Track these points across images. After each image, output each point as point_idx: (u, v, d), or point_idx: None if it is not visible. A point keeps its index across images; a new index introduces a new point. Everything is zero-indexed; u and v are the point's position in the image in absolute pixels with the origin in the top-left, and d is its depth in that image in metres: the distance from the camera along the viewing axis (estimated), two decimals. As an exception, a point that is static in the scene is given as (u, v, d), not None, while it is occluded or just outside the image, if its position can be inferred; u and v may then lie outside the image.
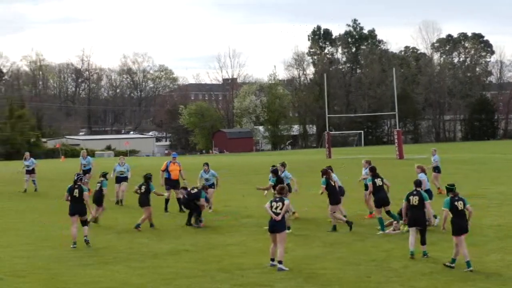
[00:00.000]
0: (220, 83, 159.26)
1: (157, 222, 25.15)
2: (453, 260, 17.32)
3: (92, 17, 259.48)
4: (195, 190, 25.18)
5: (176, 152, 35.81)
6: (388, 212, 22.83)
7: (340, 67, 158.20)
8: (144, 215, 24.64)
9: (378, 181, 22.85)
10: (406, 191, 31.51)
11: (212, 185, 28.78)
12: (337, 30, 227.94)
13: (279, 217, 17.57)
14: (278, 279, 16.49)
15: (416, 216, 18.54)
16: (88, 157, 37.67)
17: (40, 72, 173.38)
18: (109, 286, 16.30)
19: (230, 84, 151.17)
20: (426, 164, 32.40)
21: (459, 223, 17.31)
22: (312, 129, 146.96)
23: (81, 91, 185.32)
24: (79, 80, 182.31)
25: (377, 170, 23.46)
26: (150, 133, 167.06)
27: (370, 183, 22.97)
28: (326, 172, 23.50)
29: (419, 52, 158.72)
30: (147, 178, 25.08)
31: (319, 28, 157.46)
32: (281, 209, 17.65)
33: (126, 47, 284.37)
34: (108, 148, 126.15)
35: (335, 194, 23.15)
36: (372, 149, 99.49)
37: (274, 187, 23.74)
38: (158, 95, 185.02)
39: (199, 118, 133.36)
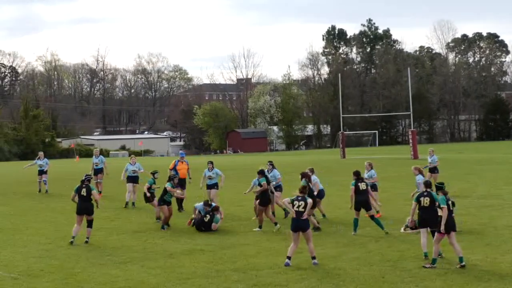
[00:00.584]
0: (235, 83, 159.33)
1: (172, 222, 25.20)
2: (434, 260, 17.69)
3: (107, 17, 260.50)
4: (208, 217, 24.25)
5: (185, 152, 35.56)
6: (372, 217, 22.78)
7: (355, 67, 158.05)
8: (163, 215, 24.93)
9: (362, 185, 22.64)
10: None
11: (215, 185, 28.42)
12: (352, 30, 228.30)
13: (305, 216, 17.94)
14: (293, 279, 16.51)
15: (427, 217, 18.36)
16: (101, 156, 37.61)
17: (55, 72, 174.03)
18: (125, 285, 16.36)
19: (244, 84, 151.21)
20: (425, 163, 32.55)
21: (449, 221, 17.52)
22: (326, 129, 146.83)
23: (96, 91, 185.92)
24: (94, 80, 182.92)
25: (361, 174, 23.43)
26: (165, 133, 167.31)
27: (352, 187, 22.63)
28: (306, 175, 23.44)
29: (434, 52, 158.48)
30: (170, 178, 25.53)
31: (333, 28, 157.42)
32: (303, 207, 17.91)
33: (141, 47, 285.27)
34: (123, 148, 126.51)
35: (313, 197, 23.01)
36: (386, 149, 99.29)
37: (260, 185, 24.43)
38: (173, 95, 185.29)
39: (213, 118, 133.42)
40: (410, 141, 68.09)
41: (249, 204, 27.93)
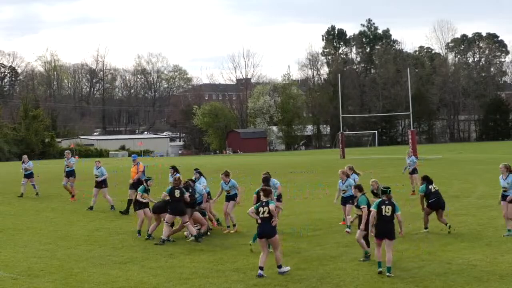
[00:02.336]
0: (234, 83, 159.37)
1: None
2: (379, 264, 17.00)
3: (106, 17, 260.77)
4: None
5: (136, 155, 34.10)
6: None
7: (355, 67, 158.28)
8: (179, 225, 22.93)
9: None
10: (418, 191, 31.42)
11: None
12: (352, 30, 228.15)
13: (275, 222, 17.03)
14: (293, 279, 16.53)
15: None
16: (72, 157, 35.92)
17: (55, 73, 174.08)
18: (125, 285, 16.38)
19: (244, 84, 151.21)
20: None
21: (380, 227, 17.02)
22: (326, 129, 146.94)
23: (95, 91, 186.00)
24: (94, 81, 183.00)
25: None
26: (164, 133, 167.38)
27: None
28: (266, 179, 22.71)
29: (433, 52, 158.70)
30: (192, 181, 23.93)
31: (333, 28, 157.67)
32: (268, 213, 16.94)
33: (141, 47, 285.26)
34: (122, 148, 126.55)
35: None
36: (386, 149, 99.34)
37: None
38: (172, 95, 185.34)
39: (213, 118, 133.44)
40: (410, 141, 68.08)
41: (250, 204, 27.97)
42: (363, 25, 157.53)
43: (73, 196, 34.32)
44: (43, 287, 16.38)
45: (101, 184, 30.74)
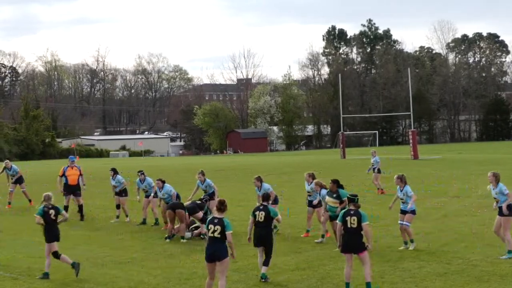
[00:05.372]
0: (235, 83, 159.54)
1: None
2: (346, 285, 15.46)
3: (106, 18, 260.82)
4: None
5: (75, 156, 32.76)
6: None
7: (355, 67, 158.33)
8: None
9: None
10: (420, 191, 31.47)
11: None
12: (352, 30, 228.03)
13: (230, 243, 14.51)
14: (293, 279, 16.52)
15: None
16: (13, 166, 33.61)
17: (55, 73, 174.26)
18: (125, 286, 16.37)
19: (245, 84, 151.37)
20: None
21: (345, 240, 15.38)
22: (326, 130, 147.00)
23: (96, 92, 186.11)
24: (94, 81, 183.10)
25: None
26: (165, 133, 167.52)
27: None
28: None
29: (434, 52, 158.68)
30: None
31: (333, 28, 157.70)
32: (219, 233, 14.38)
33: (141, 47, 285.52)
34: (123, 148, 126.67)
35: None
36: (386, 149, 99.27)
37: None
38: (173, 96, 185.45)
39: (214, 118, 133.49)
40: (410, 141, 68.09)
41: (250, 204, 27.95)
42: (364, 25, 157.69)
43: (30, 201, 33.43)
44: (42, 287, 16.37)
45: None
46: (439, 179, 42.22)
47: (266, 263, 16.57)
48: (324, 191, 21.26)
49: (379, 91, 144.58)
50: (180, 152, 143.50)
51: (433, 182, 40.09)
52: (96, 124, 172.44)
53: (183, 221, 22.35)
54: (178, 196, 24.12)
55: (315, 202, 22.08)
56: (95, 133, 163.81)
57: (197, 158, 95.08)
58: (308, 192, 22.79)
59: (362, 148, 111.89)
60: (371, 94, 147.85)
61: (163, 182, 24.31)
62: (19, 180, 33.16)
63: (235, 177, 46.76)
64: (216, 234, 14.31)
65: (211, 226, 14.41)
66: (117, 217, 26.86)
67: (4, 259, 19.61)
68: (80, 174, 28.57)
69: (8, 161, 34.57)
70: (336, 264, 18.05)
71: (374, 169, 36.58)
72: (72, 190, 28.08)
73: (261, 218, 16.58)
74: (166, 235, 22.48)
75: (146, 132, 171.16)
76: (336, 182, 20.28)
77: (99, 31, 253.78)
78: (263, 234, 16.63)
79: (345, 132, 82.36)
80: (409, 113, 75.58)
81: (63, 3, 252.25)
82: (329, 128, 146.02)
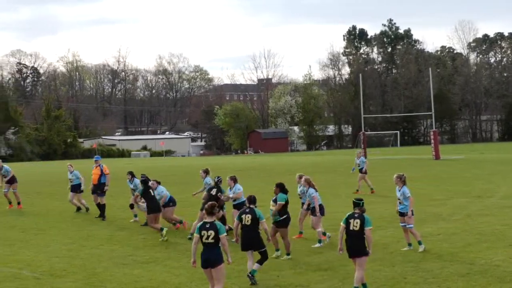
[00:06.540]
0: (255, 83, 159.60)
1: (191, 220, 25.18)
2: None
3: (127, 18, 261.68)
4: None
5: (100, 156, 33.10)
6: None
7: (376, 67, 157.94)
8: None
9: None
10: (443, 192, 31.34)
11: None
12: (373, 30, 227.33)
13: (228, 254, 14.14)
14: (314, 280, 16.50)
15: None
16: (4, 166, 32.93)
17: (77, 73, 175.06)
18: (148, 285, 16.41)
19: (265, 85, 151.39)
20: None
21: (348, 244, 15.20)
22: (347, 130, 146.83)
23: (117, 92, 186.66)
24: (115, 81, 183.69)
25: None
26: (186, 134, 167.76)
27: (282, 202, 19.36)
28: (234, 179, 22.39)
29: (455, 52, 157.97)
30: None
31: (354, 28, 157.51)
32: (212, 238, 13.84)
33: (162, 47, 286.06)
34: (144, 148, 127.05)
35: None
36: (408, 149, 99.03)
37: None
38: (194, 96, 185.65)
39: (234, 118, 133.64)
40: (432, 141, 67.84)
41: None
42: (384, 25, 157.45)
43: (19, 203, 33.13)
44: (65, 286, 16.45)
45: (75, 188, 29.86)
46: (461, 180, 42.04)
47: (260, 261, 16.48)
48: (311, 190, 21.25)
49: (400, 91, 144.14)
50: (201, 152, 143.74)
51: (455, 183, 39.93)
52: (117, 124, 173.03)
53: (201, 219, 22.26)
54: (171, 199, 24.67)
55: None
56: (117, 133, 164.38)
57: (218, 158, 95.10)
58: (299, 194, 22.65)
59: (383, 148, 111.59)
60: (392, 94, 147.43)
61: (158, 183, 24.57)
62: (11, 181, 32.30)
63: (256, 177, 46.83)
64: (210, 240, 13.77)
65: (203, 232, 13.80)
66: (135, 216, 26.99)
67: (26, 258, 19.71)
68: (102, 174, 28.75)
69: None
70: (358, 264, 18.02)
71: (360, 169, 36.69)
72: (94, 189, 28.56)
73: (247, 221, 16.49)
74: (189, 234, 22.48)
75: (167, 132, 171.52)
76: (279, 186, 19.73)
77: (119, 32, 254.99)
78: (250, 237, 16.49)
79: (366, 132, 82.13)
80: (430, 113, 75.24)
81: (83, 3, 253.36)
82: (350, 128, 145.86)
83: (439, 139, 77.59)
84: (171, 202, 24.69)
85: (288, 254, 19.00)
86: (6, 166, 32.96)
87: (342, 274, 16.99)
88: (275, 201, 19.36)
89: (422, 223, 23.61)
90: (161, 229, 22.67)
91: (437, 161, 62.81)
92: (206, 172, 24.83)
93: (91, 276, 17.33)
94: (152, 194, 23.47)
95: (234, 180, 22.40)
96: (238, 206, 21.42)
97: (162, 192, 24.39)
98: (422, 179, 41.83)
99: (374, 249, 19.61)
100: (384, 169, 50.01)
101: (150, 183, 23.72)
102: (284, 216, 19.21)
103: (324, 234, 21.40)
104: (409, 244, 19.80)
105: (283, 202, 19.22)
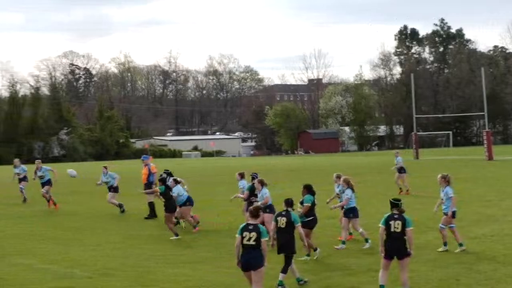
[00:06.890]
0: (306, 83, 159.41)
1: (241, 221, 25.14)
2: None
3: (177, 19, 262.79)
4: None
5: (148, 156, 33.42)
6: None
7: (428, 66, 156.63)
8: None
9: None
10: (496, 193, 30.98)
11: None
12: (424, 29, 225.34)
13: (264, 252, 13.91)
14: (365, 281, 16.37)
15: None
16: (22, 165, 34.80)
17: (129, 74, 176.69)
18: (198, 285, 16.42)
19: (316, 85, 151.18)
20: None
21: (389, 245, 14.99)
22: (399, 130, 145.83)
23: (168, 92, 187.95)
24: (167, 82, 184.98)
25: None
26: (236, 134, 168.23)
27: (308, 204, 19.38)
28: (262, 182, 21.72)
29: (508, 51, 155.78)
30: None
31: (405, 27, 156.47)
32: (254, 240, 13.76)
33: (212, 48, 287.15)
34: (195, 148, 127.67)
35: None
36: (460, 150, 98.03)
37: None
38: (244, 96, 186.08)
39: (285, 118, 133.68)
40: (485, 142, 67.05)
41: (320, 205, 27.91)
42: (436, 25, 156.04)
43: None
44: (117, 285, 16.53)
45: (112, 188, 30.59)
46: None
47: (284, 270, 16.12)
48: (348, 191, 21.07)
49: (452, 91, 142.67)
50: (252, 152, 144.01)
51: (509, 184, 39.37)
52: (168, 125, 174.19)
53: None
54: (189, 199, 24.66)
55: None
56: (168, 134, 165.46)
57: (268, 159, 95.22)
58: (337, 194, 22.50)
59: (435, 148, 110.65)
60: (444, 94, 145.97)
61: (178, 182, 24.61)
62: (23, 180, 34.03)
63: (307, 178, 46.68)
64: (251, 242, 13.70)
65: (245, 233, 13.74)
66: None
67: (78, 258, 19.85)
68: (150, 173, 29.24)
69: (17, 159, 35.90)
70: (410, 266, 17.80)
71: (397, 169, 36.34)
72: (145, 188, 28.85)
73: (282, 224, 16.20)
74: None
75: (218, 133, 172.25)
76: (306, 188, 19.59)
77: (170, 33, 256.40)
78: (284, 240, 16.13)
79: (418, 133, 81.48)
80: (483, 113, 74.36)
81: (134, 4, 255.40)
82: (402, 129, 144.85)
83: (492, 139, 76.61)
84: (188, 201, 24.71)
85: (308, 255, 18.86)
86: (23, 166, 34.57)
87: (394, 275, 16.81)
88: (301, 203, 19.29)
89: (475, 224, 23.33)
90: (177, 222, 23.82)
91: (490, 161, 62.07)
92: (242, 175, 24.84)
93: (141, 275, 17.38)
94: (171, 193, 23.75)
95: (262, 183, 21.61)
96: (268, 209, 20.86)
97: (176, 192, 24.24)
98: (475, 180, 41.35)
99: (427, 250, 19.48)
100: (436, 170, 49.48)
101: (168, 182, 24.02)
102: (311, 218, 19.19)
103: (348, 235, 21.51)
104: (445, 244, 19.59)
105: (309, 204, 19.20)
